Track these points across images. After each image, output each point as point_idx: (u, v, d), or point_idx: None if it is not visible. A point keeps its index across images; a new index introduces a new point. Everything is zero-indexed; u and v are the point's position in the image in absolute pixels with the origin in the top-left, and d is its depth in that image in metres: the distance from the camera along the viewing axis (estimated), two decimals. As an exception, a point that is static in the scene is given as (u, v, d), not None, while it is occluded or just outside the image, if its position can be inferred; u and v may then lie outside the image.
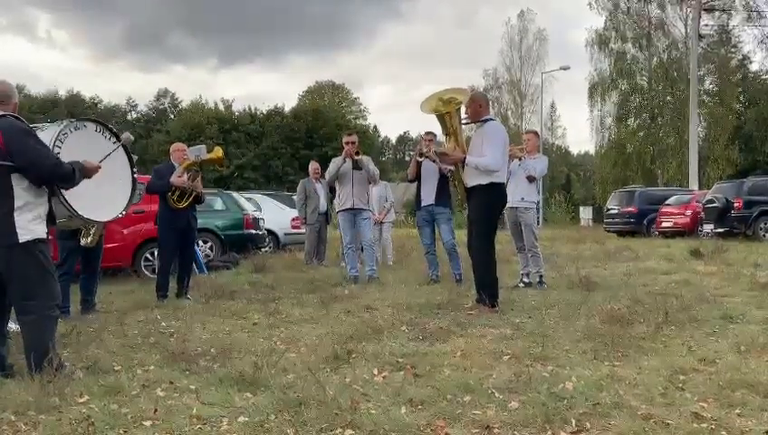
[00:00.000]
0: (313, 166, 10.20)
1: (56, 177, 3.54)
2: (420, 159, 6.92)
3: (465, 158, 5.33)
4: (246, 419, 2.77)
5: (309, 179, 10.05)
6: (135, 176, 4.84)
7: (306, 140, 43.91)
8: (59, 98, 50.27)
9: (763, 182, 15.29)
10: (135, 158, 4.93)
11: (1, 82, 3.62)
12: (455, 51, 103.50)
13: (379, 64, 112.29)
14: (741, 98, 34.02)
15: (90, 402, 2.98)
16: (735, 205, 14.76)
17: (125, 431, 2.65)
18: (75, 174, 3.63)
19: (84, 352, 4.00)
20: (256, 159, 41.85)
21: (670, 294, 5.87)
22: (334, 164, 7.52)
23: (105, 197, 4.51)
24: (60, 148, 4.11)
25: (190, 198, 6.36)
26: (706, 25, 31.25)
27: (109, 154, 4.38)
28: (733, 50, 33.44)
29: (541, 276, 6.81)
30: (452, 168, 5.93)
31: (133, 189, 4.81)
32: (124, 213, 4.78)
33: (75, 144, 4.24)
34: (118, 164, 4.73)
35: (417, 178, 7.20)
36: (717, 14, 31.44)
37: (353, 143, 7.36)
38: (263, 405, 2.92)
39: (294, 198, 14.14)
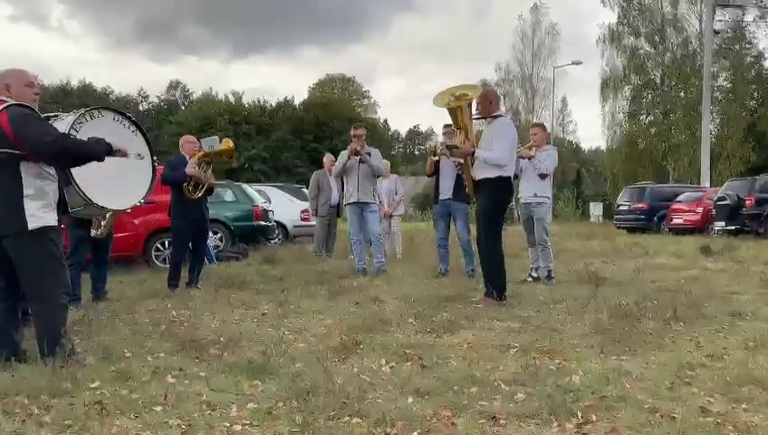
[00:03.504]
0: (329, 159, 10.18)
1: (64, 150, 3.40)
2: (435, 158, 6.95)
3: (474, 151, 5.37)
4: (255, 406, 2.80)
5: (323, 172, 10.07)
6: (156, 164, 4.86)
7: (316, 133, 43.93)
8: (71, 88, 50.58)
9: (776, 181, 15.15)
10: None
11: None
12: (468, 44, 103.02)
13: (392, 57, 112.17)
14: (755, 95, 33.57)
15: (101, 388, 3.02)
16: (747, 202, 14.62)
17: (136, 416, 2.69)
18: (88, 145, 3.52)
19: (96, 339, 4.05)
20: (266, 152, 41.92)
21: (679, 290, 5.86)
22: (341, 159, 7.55)
23: (122, 185, 4.54)
24: (75, 135, 4.15)
25: (204, 189, 6.42)
26: (720, 21, 30.90)
27: (140, 155, 4.37)
28: (747, 46, 33.03)
29: (549, 271, 6.81)
30: (461, 160, 5.98)
31: (153, 178, 4.83)
32: (142, 201, 4.81)
33: (92, 133, 4.27)
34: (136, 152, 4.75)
35: (436, 172, 7.22)
36: (731, 9, 31.06)
37: (360, 137, 7.37)
38: (271, 393, 2.96)
39: (304, 190, 14.24)
